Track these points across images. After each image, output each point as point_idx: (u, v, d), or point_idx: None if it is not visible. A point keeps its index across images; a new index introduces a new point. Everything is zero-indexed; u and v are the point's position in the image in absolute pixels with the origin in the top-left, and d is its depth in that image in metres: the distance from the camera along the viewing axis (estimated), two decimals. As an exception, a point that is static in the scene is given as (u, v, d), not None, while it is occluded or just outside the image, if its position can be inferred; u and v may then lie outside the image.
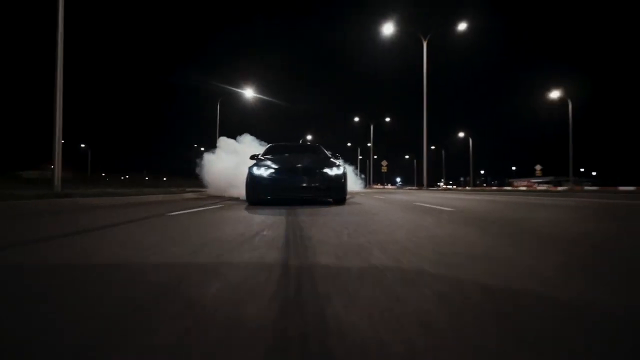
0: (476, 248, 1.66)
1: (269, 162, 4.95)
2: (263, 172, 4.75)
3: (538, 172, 31.07)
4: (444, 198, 7.93)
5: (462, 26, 15.60)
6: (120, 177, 61.12)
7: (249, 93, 20.43)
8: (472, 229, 2.34)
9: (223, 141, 12.19)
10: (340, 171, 4.87)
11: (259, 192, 4.76)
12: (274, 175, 4.72)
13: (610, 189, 25.91)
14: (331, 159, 5.34)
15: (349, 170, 11.48)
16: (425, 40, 15.37)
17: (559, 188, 30.01)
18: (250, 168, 4.83)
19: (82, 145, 54.31)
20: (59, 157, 6.36)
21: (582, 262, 1.40)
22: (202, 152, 13.59)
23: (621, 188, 25.86)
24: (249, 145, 10.96)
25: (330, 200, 5.09)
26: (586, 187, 33.02)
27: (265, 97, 21.56)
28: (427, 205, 5.03)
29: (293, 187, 4.65)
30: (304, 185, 4.64)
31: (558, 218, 3.25)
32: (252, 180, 4.72)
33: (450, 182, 58.23)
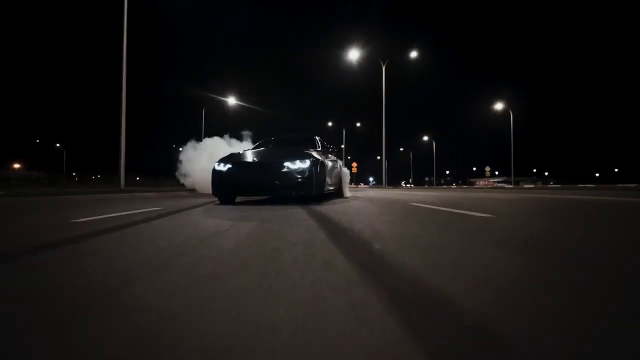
0: (360, 208, 4.99)
1: (237, 158, 4.70)
2: (223, 167, 4.42)
3: (487, 173, 36.34)
4: (381, 192, 11.51)
5: (413, 54, 19.46)
6: (91, 177, 60.64)
7: (232, 101, 23.21)
8: (364, 203, 5.68)
9: (208, 141, 11.57)
10: (305, 165, 4.22)
11: (219, 190, 4.49)
12: (233, 171, 4.36)
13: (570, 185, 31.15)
14: (307, 152, 4.70)
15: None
16: (384, 64, 19.09)
17: (526, 186, 35.59)
18: (215, 164, 4.58)
19: (57, 145, 53.81)
20: (123, 165, 9.13)
21: (388, 210, 4.76)
22: (183, 147, 11.90)
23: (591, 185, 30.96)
24: (238, 144, 10.61)
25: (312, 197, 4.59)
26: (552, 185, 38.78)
27: (248, 105, 24.40)
28: (359, 194, 8.47)
29: (251, 184, 4.28)
30: (264, 181, 4.22)
31: (418, 198, 6.70)
32: (214, 177, 4.45)
33: (410, 182, 63.77)
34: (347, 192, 7.45)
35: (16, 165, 57.14)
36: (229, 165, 4.42)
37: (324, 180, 4.63)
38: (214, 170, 4.48)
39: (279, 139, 6.36)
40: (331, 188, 5.59)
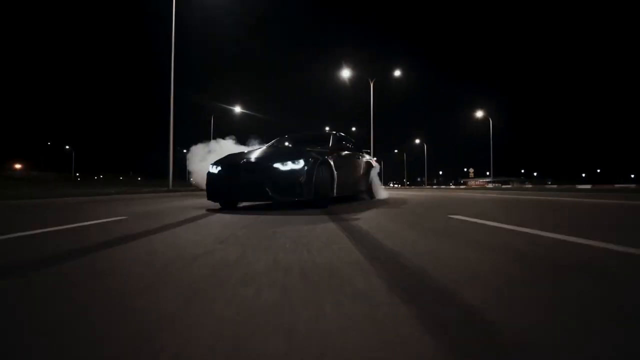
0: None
1: (230, 159, 4.36)
2: (215, 170, 4.14)
3: (471, 174, 39.59)
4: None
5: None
6: (93, 177, 62.91)
7: (237, 108, 25.92)
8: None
9: (220, 142, 11.14)
10: (297, 166, 3.77)
11: (212, 195, 4.16)
12: (223, 174, 4.06)
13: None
14: (306, 150, 4.28)
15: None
16: (371, 82, 21.96)
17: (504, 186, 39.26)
18: (209, 166, 4.32)
19: (67, 147, 55.91)
20: (171, 170, 11.79)
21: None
22: (193, 148, 11.81)
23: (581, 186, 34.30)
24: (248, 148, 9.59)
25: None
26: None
27: (251, 112, 27.10)
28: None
29: (240, 189, 3.89)
30: (253, 186, 3.79)
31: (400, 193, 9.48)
32: (207, 181, 4.18)
33: (404, 181, 66.89)
34: (381, 193, 6.59)
35: (17, 166, 59.11)
36: (219, 168, 4.11)
37: (329, 182, 4.27)
38: (208, 173, 4.21)
39: (293, 137, 5.86)
40: (361, 189, 5.60)
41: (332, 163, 4.34)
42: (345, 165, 4.89)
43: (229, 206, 4.28)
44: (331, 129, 48.65)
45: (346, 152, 5.21)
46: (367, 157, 6.29)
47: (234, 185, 3.86)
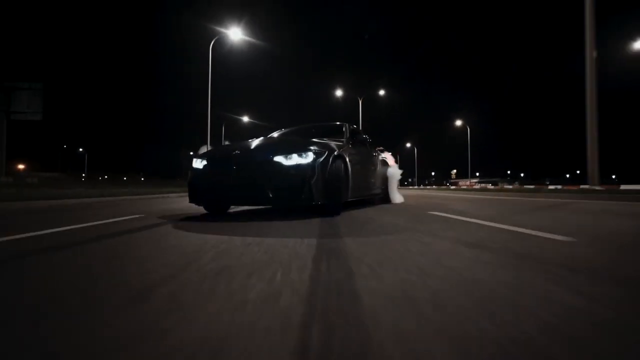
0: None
1: (218, 152, 3.53)
2: (199, 165, 3.27)
3: (453, 175, 43.43)
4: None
5: (382, 92, 26.06)
6: (98, 177, 65.60)
7: (245, 118, 29.40)
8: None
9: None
10: (305, 160, 2.88)
11: (193, 196, 3.25)
12: (209, 170, 3.18)
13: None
14: (316, 141, 3.43)
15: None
16: (360, 99, 25.30)
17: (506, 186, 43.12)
18: (193, 160, 3.44)
19: (80, 150, 58.63)
20: None
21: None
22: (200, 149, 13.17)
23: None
24: None
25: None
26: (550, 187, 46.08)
27: (255, 121, 30.61)
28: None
29: (229, 189, 2.96)
30: (246, 185, 2.89)
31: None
32: (189, 178, 3.32)
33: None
34: (397, 197, 5.64)
35: (20, 166, 61.45)
36: (205, 162, 3.24)
37: (344, 182, 3.42)
38: (191, 168, 3.36)
39: (299, 129, 4.96)
40: (376, 191, 4.96)
41: (347, 159, 3.53)
42: (361, 163, 4.22)
43: (215, 211, 3.53)
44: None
45: (362, 147, 4.50)
46: (382, 155, 5.59)
47: (222, 185, 3.01)
